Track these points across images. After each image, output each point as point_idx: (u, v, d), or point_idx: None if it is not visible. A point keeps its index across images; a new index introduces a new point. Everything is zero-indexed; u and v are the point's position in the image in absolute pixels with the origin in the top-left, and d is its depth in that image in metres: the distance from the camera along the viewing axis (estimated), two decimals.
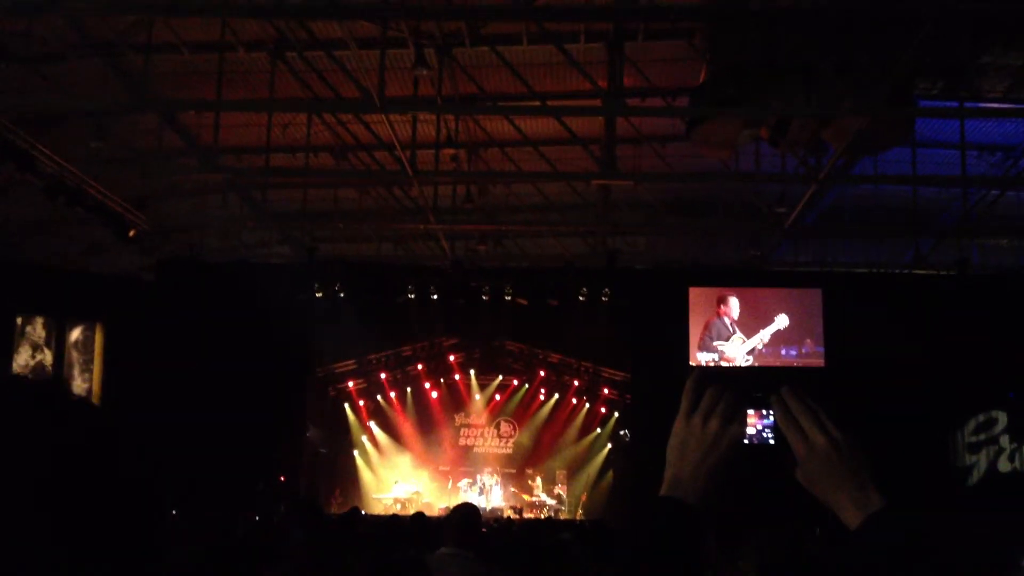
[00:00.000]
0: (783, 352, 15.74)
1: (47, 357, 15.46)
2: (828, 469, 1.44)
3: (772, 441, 1.51)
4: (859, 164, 14.33)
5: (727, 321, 15.79)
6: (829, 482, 1.44)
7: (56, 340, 15.56)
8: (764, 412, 1.52)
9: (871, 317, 14.71)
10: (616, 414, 21.57)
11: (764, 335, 15.72)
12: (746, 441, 1.50)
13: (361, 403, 22.03)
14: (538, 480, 21.36)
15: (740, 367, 15.58)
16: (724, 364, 15.61)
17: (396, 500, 20.35)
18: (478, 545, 4.73)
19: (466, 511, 4.84)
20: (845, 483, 1.43)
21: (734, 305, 15.80)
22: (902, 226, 16.06)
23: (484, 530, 6.59)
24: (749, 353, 15.69)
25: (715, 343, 15.73)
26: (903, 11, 9.97)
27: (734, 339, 15.73)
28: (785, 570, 3.81)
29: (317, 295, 16.19)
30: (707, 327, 15.80)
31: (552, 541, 7.15)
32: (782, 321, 15.71)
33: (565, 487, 21.41)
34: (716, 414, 1.48)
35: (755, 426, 1.52)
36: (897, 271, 16.93)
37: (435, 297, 16.34)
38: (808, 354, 15.69)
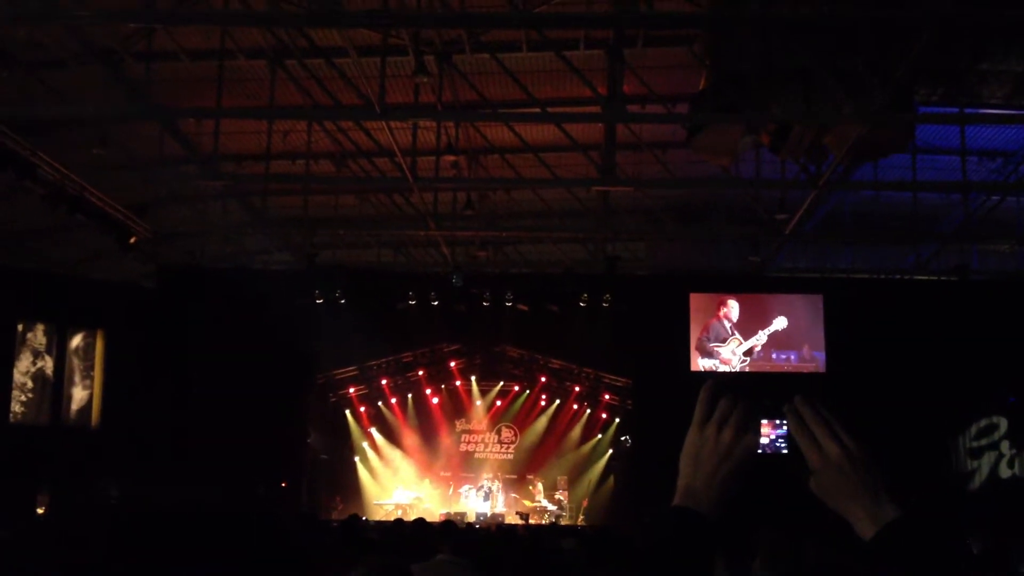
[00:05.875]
0: (775, 356, 15.75)
1: (48, 364, 15.46)
2: (841, 480, 1.44)
3: (785, 451, 1.50)
4: (859, 170, 14.34)
5: (727, 324, 15.81)
6: (843, 493, 1.44)
7: (57, 347, 15.55)
8: (778, 422, 1.51)
9: (872, 323, 14.73)
10: (617, 420, 21.56)
11: (762, 336, 15.72)
12: (760, 451, 1.49)
13: (362, 409, 22.00)
14: (539, 486, 21.33)
15: (745, 373, 15.58)
16: (721, 367, 15.62)
17: (397, 506, 20.32)
18: (473, 553, 4.73)
19: (463, 521, 4.85)
20: (859, 494, 1.43)
21: (734, 308, 15.83)
22: (902, 232, 16.05)
23: (488, 535, 6.57)
24: (746, 354, 15.69)
25: (712, 344, 15.73)
26: (903, 18, 9.98)
27: (731, 341, 15.75)
28: None
29: (318, 301, 16.19)
30: (706, 329, 15.82)
31: (554, 547, 7.16)
32: (780, 323, 15.71)
33: (566, 493, 21.38)
34: (730, 424, 1.47)
35: (768, 436, 1.51)
36: (898, 277, 16.94)
37: (436, 303, 16.33)
38: (805, 360, 15.69)
